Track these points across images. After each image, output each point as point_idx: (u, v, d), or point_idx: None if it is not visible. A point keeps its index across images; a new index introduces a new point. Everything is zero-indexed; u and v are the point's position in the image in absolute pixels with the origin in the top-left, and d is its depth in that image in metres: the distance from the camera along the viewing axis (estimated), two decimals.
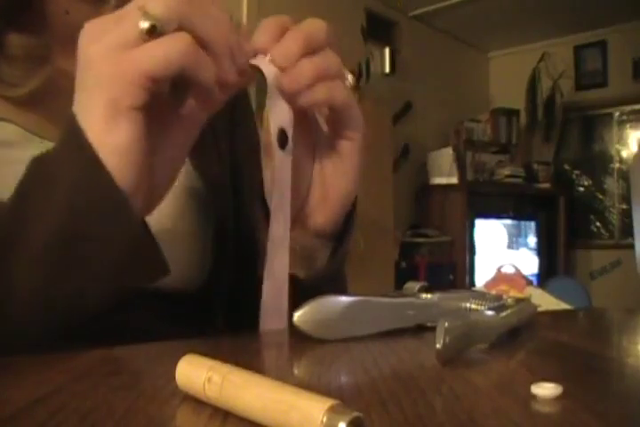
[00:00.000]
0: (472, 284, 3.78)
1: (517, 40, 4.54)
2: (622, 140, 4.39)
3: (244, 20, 2.92)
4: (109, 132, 0.34)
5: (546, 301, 1.18)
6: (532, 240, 4.37)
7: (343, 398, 0.19)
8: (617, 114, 4.40)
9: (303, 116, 0.44)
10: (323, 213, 0.46)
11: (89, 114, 0.35)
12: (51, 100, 0.45)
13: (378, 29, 3.77)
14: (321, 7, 3.12)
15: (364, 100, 3.09)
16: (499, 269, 1.33)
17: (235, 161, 0.59)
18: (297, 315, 0.36)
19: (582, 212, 4.48)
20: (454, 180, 3.84)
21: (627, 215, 4.17)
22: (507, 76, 4.71)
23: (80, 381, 0.28)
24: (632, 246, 1.20)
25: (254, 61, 0.39)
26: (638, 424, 0.23)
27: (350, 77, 0.43)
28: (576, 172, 4.55)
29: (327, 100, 0.41)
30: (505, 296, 0.42)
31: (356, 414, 0.18)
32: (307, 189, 0.46)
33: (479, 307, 0.40)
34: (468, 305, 0.41)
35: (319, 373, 0.32)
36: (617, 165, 4.38)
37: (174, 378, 0.24)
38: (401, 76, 3.88)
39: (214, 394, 0.22)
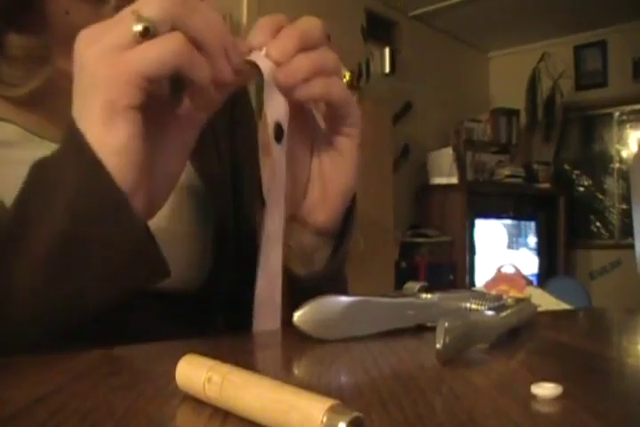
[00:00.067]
0: (472, 284, 3.78)
1: (517, 40, 4.55)
2: (622, 140, 4.39)
3: (244, 19, 2.92)
4: (108, 133, 0.35)
5: (546, 301, 1.18)
6: (532, 240, 4.37)
7: (343, 398, 0.19)
8: (617, 114, 4.40)
9: (300, 112, 0.44)
10: (323, 210, 0.46)
11: (87, 116, 0.35)
12: (51, 100, 0.46)
13: (378, 29, 3.77)
14: (321, 7, 3.12)
15: (363, 100, 3.09)
16: (499, 269, 1.33)
17: (235, 161, 0.59)
18: (297, 315, 0.36)
19: (582, 212, 4.48)
20: (454, 180, 3.84)
21: (627, 215, 4.17)
22: (507, 76, 4.71)
23: (80, 381, 0.28)
24: (632, 246, 1.20)
25: (250, 57, 0.39)
26: (638, 424, 0.23)
27: (347, 75, 0.43)
28: (576, 172, 4.55)
29: (324, 95, 0.41)
30: (505, 296, 0.42)
31: (355, 414, 0.18)
32: (305, 185, 0.46)
33: (479, 307, 0.40)
34: (468, 305, 0.41)
35: (319, 373, 0.32)
36: (617, 165, 4.38)
37: (174, 378, 0.24)
38: (401, 76, 3.88)
39: (214, 394, 0.22)
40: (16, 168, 0.37)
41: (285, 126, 0.41)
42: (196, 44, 0.35)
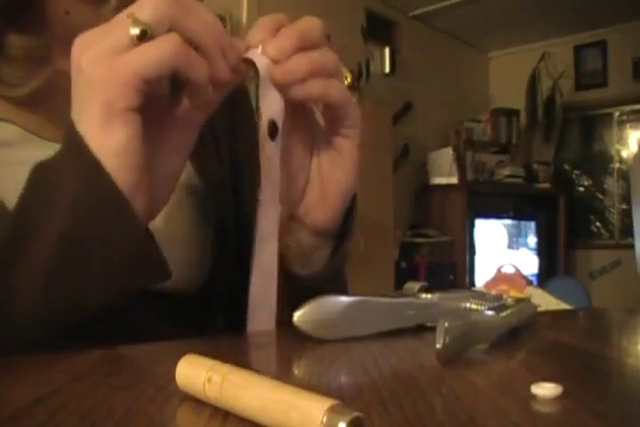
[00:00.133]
0: (472, 284, 3.78)
1: (517, 40, 4.54)
2: (622, 140, 4.39)
3: (244, 19, 2.92)
4: (106, 135, 0.35)
5: (546, 301, 1.18)
6: (532, 240, 4.37)
7: (343, 398, 0.19)
8: (617, 114, 4.40)
9: (301, 110, 0.44)
10: (322, 210, 0.46)
11: (85, 118, 0.35)
12: (51, 100, 0.46)
13: (378, 29, 3.77)
14: (321, 7, 3.12)
15: (363, 100, 3.10)
16: (499, 269, 1.33)
17: (235, 161, 0.59)
18: (297, 315, 0.36)
19: (582, 212, 4.48)
20: (454, 180, 3.83)
21: (627, 215, 4.17)
22: (507, 76, 4.71)
23: (80, 381, 0.28)
24: (632, 246, 1.20)
25: (247, 55, 0.39)
26: (638, 424, 0.23)
27: (349, 77, 0.43)
28: (576, 172, 4.55)
29: (321, 95, 0.41)
30: (505, 296, 0.42)
31: (356, 414, 0.18)
32: (304, 184, 0.46)
33: (479, 307, 0.40)
34: (468, 305, 0.41)
35: (319, 373, 0.32)
36: (617, 165, 4.38)
37: (174, 378, 0.24)
38: (401, 76, 3.88)
39: (214, 394, 0.22)
40: (16, 168, 0.37)
41: (280, 124, 0.41)
42: (192, 44, 0.35)
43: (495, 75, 4.88)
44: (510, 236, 4.26)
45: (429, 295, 0.41)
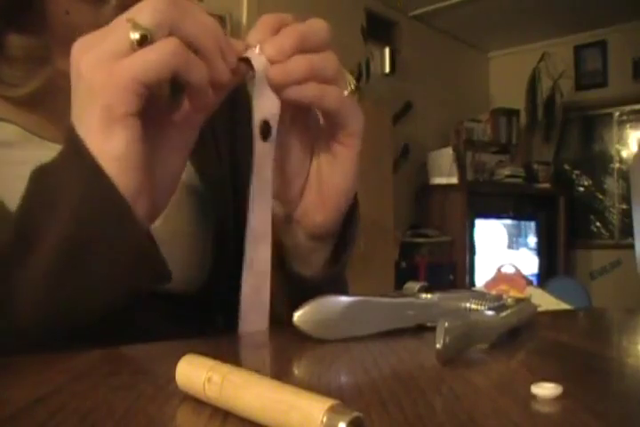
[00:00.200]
0: (472, 284, 3.78)
1: (517, 40, 4.55)
2: (622, 140, 4.39)
3: (244, 19, 2.92)
4: (107, 140, 0.35)
5: (546, 301, 1.18)
6: (532, 240, 4.37)
7: (343, 398, 0.19)
8: (617, 114, 4.40)
9: (302, 112, 0.44)
10: (320, 212, 0.46)
11: (85, 123, 0.35)
12: (51, 100, 0.46)
13: (378, 29, 3.77)
14: (321, 7, 3.12)
15: (363, 100, 3.10)
16: (499, 269, 1.33)
17: (235, 161, 0.59)
18: (297, 315, 0.36)
19: (582, 212, 4.48)
20: (454, 180, 3.84)
21: (627, 215, 4.17)
22: (507, 76, 4.71)
23: (80, 381, 0.28)
24: (632, 246, 1.20)
25: (245, 54, 0.39)
26: (638, 424, 0.23)
27: (352, 83, 0.42)
28: (576, 172, 4.55)
29: (317, 100, 0.40)
30: (505, 296, 0.42)
31: (356, 414, 0.18)
32: (302, 185, 0.46)
33: (479, 307, 0.40)
34: (468, 305, 0.41)
35: (319, 373, 0.32)
36: (617, 165, 4.38)
37: (174, 378, 0.24)
38: (401, 76, 3.88)
39: (214, 394, 0.22)
40: (16, 168, 0.37)
41: (274, 124, 0.41)
42: (191, 47, 0.35)
43: (495, 75, 4.88)
44: (510, 236, 4.26)
45: (429, 295, 0.41)
